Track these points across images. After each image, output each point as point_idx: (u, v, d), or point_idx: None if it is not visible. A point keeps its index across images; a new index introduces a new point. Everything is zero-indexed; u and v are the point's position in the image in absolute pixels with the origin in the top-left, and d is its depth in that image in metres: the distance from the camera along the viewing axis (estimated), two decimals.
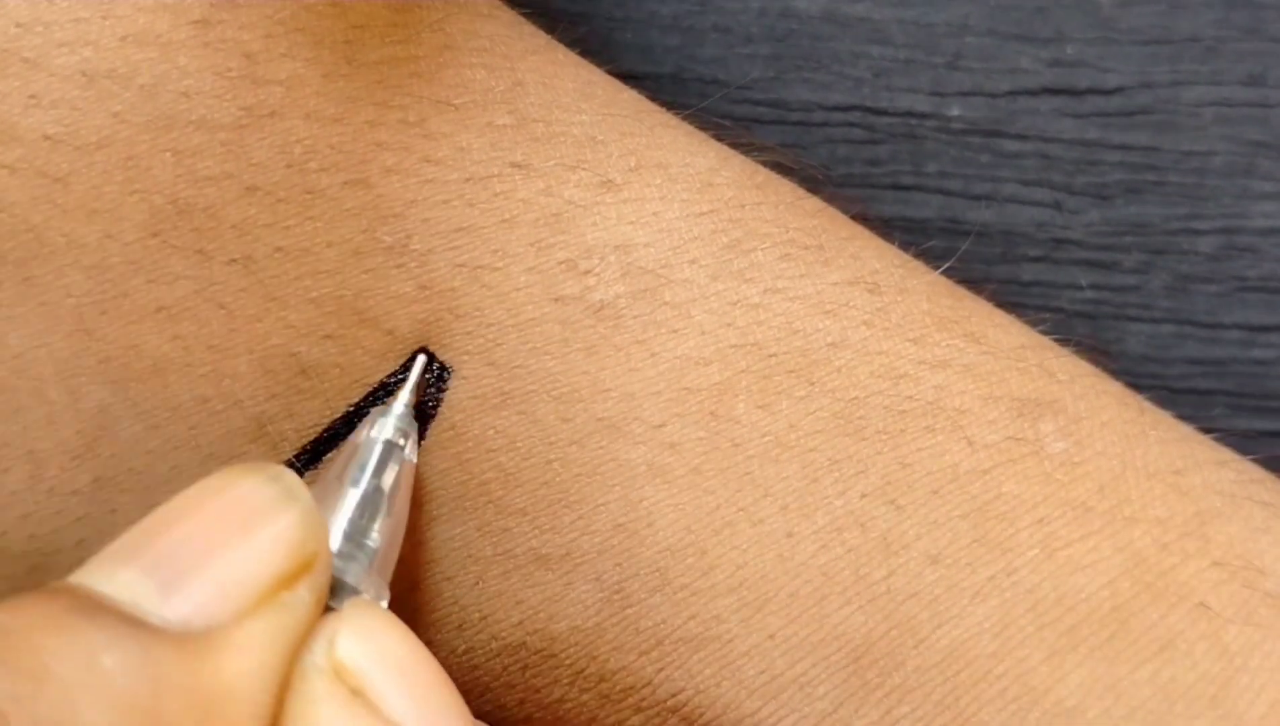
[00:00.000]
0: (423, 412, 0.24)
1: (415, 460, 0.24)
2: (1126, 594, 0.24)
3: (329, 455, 0.23)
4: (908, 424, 0.24)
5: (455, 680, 0.24)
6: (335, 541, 0.22)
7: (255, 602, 0.19)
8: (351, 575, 0.22)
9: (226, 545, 0.20)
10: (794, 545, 0.24)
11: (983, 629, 0.24)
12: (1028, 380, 0.25)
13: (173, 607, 0.19)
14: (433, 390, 0.24)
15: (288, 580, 0.20)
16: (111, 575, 0.19)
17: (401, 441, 0.23)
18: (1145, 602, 0.24)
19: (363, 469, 0.23)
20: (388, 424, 0.23)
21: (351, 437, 0.23)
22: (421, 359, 0.24)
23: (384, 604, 0.22)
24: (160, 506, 0.20)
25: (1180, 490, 0.25)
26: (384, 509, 0.23)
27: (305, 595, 0.20)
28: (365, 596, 0.22)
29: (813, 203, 0.26)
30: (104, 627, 0.18)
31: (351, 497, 0.22)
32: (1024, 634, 0.24)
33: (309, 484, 0.22)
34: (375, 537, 0.22)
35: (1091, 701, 0.23)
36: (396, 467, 0.23)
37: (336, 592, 0.21)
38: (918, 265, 0.26)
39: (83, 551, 0.24)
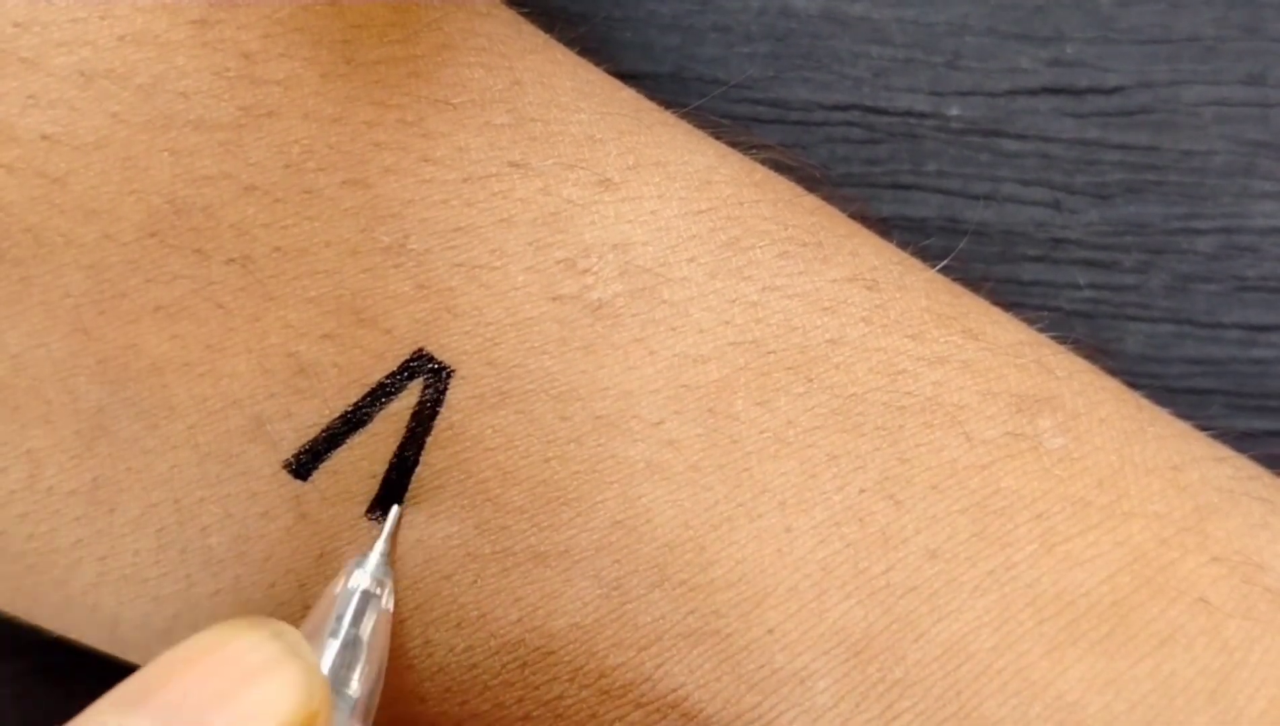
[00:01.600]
0: (422, 412, 0.24)
1: (391, 608, 0.24)
2: (1126, 589, 0.24)
3: (315, 609, 0.24)
4: (906, 419, 0.25)
5: (453, 679, 0.25)
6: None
7: None
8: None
9: (234, 697, 0.20)
10: (793, 540, 0.24)
11: (982, 623, 0.24)
12: (1026, 376, 0.25)
13: None
14: (431, 390, 0.24)
15: None
16: (123, 719, 0.19)
17: (378, 590, 0.24)
18: (1145, 597, 0.24)
19: (340, 620, 0.23)
20: (365, 574, 0.24)
21: (330, 587, 0.24)
22: (396, 509, 0.24)
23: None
24: (167, 652, 0.21)
25: (1178, 486, 0.25)
26: (363, 657, 0.23)
27: None
28: None
29: (811, 201, 0.27)
30: None
31: (331, 648, 0.23)
32: (1024, 628, 0.24)
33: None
34: (355, 686, 0.23)
35: (1092, 696, 0.24)
36: (374, 616, 0.24)
37: None
38: (915, 263, 0.27)
39: (80, 551, 0.24)
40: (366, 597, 0.24)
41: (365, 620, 0.23)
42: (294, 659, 0.21)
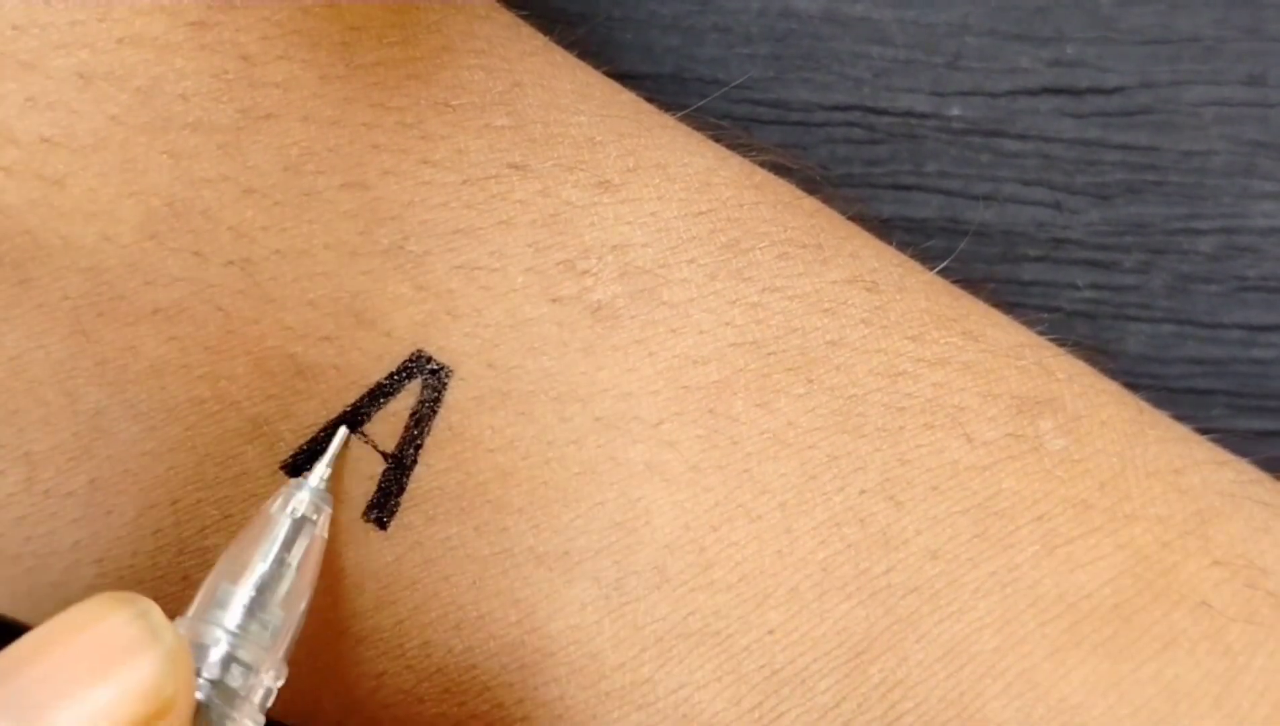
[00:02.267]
0: (420, 413, 0.24)
1: (325, 536, 0.24)
2: (1128, 591, 0.24)
3: (246, 529, 0.24)
4: (907, 421, 0.25)
5: (452, 680, 0.25)
6: (236, 615, 0.22)
7: None
8: (249, 653, 0.22)
9: (84, 685, 0.19)
10: (793, 541, 0.24)
11: (984, 624, 0.24)
12: (1027, 378, 0.25)
13: None
14: (430, 391, 0.24)
15: (144, 724, 0.20)
16: None
17: (314, 516, 0.24)
18: (1147, 600, 0.24)
19: (271, 543, 0.23)
20: (302, 498, 0.24)
21: (264, 506, 0.24)
22: (342, 431, 0.24)
23: (280, 681, 0.23)
24: (24, 637, 0.20)
25: (1180, 489, 0.25)
26: (287, 584, 0.23)
27: None
28: (265, 675, 0.22)
29: (810, 203, 0.27)
30: None
31: (257, 572, 0.23)
32: (1026, 630, 0.24)
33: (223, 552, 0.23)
34: (277, 613, 0.23)
35: (1095, 699, 0.24)
36: (306, 542, 0.23)
37: (229, 667, 0.22)
38: (915, 265, 0.27)
39: (78, 553, 0.24)
40: (301, 523, 0.23)
41: (296, 546, 0.23)
42: (154, 642, 0.20)
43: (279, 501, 0.23)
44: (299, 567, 0.23)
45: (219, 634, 0.22)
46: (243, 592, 0.22)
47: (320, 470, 0.24)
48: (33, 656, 0.19)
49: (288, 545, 0.23)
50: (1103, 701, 0.24)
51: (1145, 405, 0.26)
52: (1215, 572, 0.24)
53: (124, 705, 0.19)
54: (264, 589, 0.23)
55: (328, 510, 0.24)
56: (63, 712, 0.19)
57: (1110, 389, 0.26)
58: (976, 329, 0.26)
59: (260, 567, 0.23)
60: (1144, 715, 0.24)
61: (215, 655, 0.22)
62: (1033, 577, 0.24)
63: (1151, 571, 0.24)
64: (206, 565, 0.25)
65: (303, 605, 0.23)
